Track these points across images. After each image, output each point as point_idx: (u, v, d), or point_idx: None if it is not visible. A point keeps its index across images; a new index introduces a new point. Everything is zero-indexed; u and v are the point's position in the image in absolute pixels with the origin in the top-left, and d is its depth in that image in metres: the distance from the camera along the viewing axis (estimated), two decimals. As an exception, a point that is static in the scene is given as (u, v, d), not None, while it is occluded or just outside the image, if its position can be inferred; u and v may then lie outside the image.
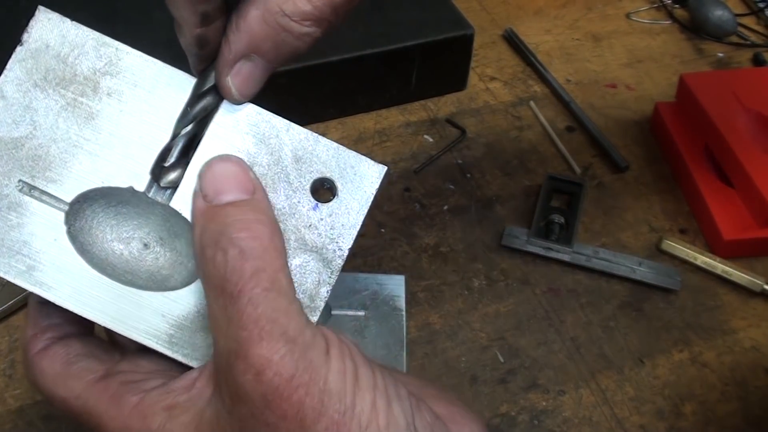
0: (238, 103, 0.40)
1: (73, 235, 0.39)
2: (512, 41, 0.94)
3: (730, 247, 0.71)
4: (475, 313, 0.68)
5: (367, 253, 0.72)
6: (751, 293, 0.70)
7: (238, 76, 0.38)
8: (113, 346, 0.42)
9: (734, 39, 0.95)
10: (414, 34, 0.80)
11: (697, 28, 0.96)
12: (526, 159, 0.81)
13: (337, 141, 0.40)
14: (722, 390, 0.64)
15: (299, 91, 0.78)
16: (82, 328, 0.42)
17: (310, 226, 0.39)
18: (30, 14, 0.79)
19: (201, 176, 0.38)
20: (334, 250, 0.39)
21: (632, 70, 0.91)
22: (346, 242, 0.40)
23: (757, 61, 0.92)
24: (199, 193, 0.38)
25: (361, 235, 0.75)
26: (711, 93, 0.78)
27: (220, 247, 0.35)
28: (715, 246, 0.73)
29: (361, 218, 0.40)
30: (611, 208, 0.77)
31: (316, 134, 0.40)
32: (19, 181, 0.38)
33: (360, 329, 0.63)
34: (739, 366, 0.66)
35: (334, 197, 0.40)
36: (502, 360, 0.66)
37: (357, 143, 0.80)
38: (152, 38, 0.79)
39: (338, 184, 0.40)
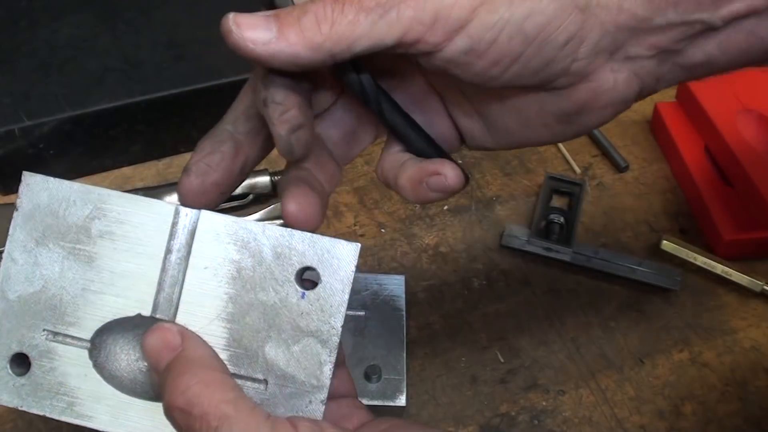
0: (230, 44, 0.38)
1: (100, 367, 0.43)
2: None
3: (730, 247, 0.71)
4: (475, 313, 0.68)
5: (367, 253, 0.72)
6: (751, 293, 0.70)
7: (244, 18, 0.38)
8: None
9: (734, 39, 0.95)
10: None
11: (697, 28, 0.96)
12: (526, 159, 0.81)
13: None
14: (722, 390, 0.65)
15: (299, 91, 0.78)
16: None
17: (302, 314, 0.42)
18: (30, 15, 0.79)
19: (143, 354, 0.42)
20: (329, 330, 0.42)
21: (632, 70, 0.91)
22: (338, 320, 0.43)
23: (757, 61, 0.92)
24: (154, 373, 0.42)
25: (360, 235, 0.75)
26: (711, 93, 0.78)
27: (169, 416, 0.39)
28: (715, 246, 0.73)
29: (347, 296, 0.43)
30: (611, 208, 0.77)
31: (290, 229, 0.43)
32: (44, 330, 0.43)
33: (360, 329, 0.63)
34: (739, 366, 0.66)
35: (318, 283, 0.43)
36: (502, 360, 0.66)
37: (357, 143, 0.80)
38: (152, 38, 0.79)
39: (319, 270, 0.43)
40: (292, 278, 0.43)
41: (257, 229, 0.43)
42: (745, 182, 0.72)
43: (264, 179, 0.73)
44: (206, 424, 0.37)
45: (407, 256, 0.72)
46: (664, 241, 0.72)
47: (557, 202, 0.76)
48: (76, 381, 0.43)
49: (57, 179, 0.44)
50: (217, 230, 0.43)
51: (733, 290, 0.71)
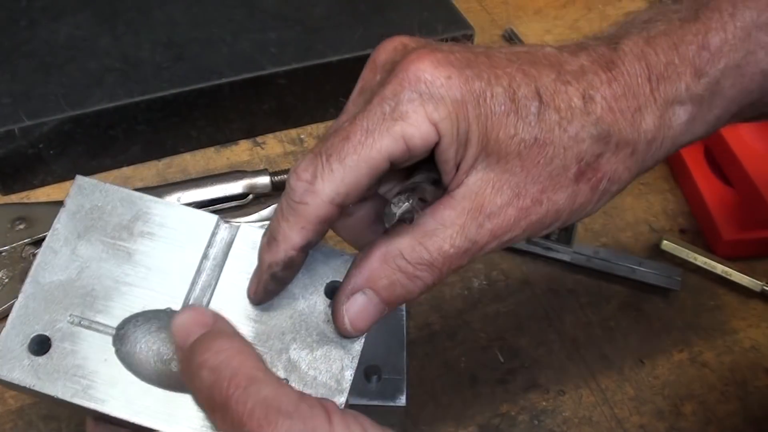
0: (349, 336, 0.44)
1: (123, 353, 0.44)
2: (512, 41, 0.93)
3: (730, 247, 0.71)
4: (475, 313, 0.68)
5: (367, 253, 0.72)
6: (751, 293, 0.70)
7: (352, 307, 0.43)
8: None
9: (734, 39, 0.95)
10: (414, 35, 0.80)
11: (697, 28, 0.96)
12: (526, 159, 0.81)
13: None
14: (722, 390, 0.65)
15: (299, 91, 0.78)
16: None
17: (328, 321, 0.45)
18: (30, 15, 0.79)
19: (171, 335, 0.42)
20: (352, 339, 0.44)
21: (632, 70, 0.91)
22: None
23: (757, 61, 0.92)
24: (178, 350, 0.42)
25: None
26: (711, 93, 0.78)
27: (196, 375, 0.39)
28: (715, 246, 0.73)
29: None
30: (611, 208, 0.77)
31: (322, 246, 0.45)
32: (71, 314, 0.44)
33: (360, 329, 0.62)
34: (738, 366, 0.66)
35: None
36: (502, 360, 0.66)
37: (357, 143, 0.80)
38: (152, 38, 0.79)
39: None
40: (322, 289, 0.45)
41: None
42: (745, 182, 0.72)
43: (264, 179, 0.73)
44: (235, 384, 0.37)
45: (407, 256, 0.72)
46: (664, 241, 0.72)
47: (557, 202, 0.76)
48: (95, 365, 0.43)
49: (107, 184, 0.47)
50: (254, 240, 0.45)
51: (733, 290, 0.71)
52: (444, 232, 0.42)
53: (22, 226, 0.68)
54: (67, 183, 0.76)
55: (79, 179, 0.47)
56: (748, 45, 0.44)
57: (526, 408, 0.63)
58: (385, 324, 0.63)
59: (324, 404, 0.38)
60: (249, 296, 0.45)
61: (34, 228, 0.68)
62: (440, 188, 0.43)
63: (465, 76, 0.40)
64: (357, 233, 0.47)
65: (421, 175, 0.42)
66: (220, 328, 0.41)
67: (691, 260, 0.71)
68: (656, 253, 0.72)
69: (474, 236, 0.42)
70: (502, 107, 0.41)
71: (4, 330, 0.44)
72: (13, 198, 0.75)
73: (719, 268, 0.70)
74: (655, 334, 0.68)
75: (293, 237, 0.41)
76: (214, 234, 0.46)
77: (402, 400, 0.59)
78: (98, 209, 0.46)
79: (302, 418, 0.37)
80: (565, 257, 0.71)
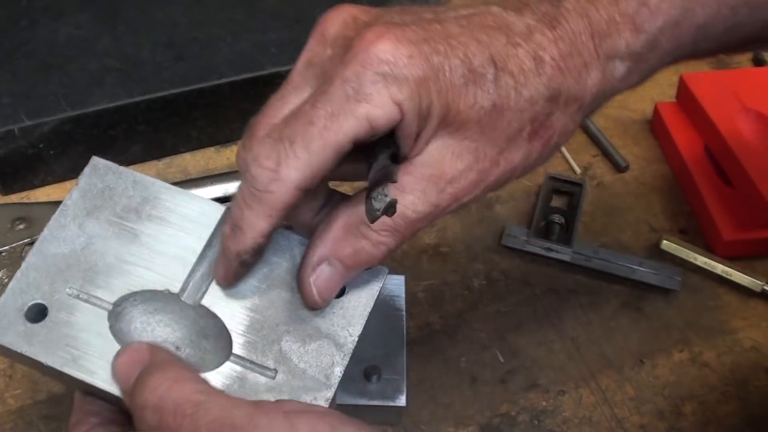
0: (316, 306, 0.45)
1: (116, 329, 0.45)
2: (512, 41, 0.93)
3: (730, 247, 0.71)
4: (475, 313, 0.68)
5: (367, 253, 0.72)
6: (751, 293, 0.70)
7: (319, 278, 0.44)
8: None
9: (734, 39, 0.95)
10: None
11: (697, 28, 0.95)
12: (526, 159, 0.81)
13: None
14: (722, 390, 0.65)
15: (299, 91, 0.78)
16: (123, 419, 0.45)
17: (324, 317, 0.45)
18: (30, 15, 0.79)
19: (113, 376, 0.42)
20: (346, 336, 0.45)
21: (632, 70, 0.91)
22: (356, 329, 0.45)
23: (757, 61, 0.92)
24: (125, 397, 0.41)
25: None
26: (711, 93, 0.78)
27: (142, 420, 0.38)
28: (715, 246, 0.73)
29: (368, 310, 0.46)
30: (611, 208, 0.77)
31: None
32: (70, 287, 0.45)
33: (360, 329, 0.62)
34: (739, 366, 0.66)
35: (344, 294, 0.46)
36: (502, 360, 0.66)
37: (357, 143, 0.80)
38: (152, 38, 0.79)
39: (347, 284, 0.46)
40: None
41: (294, 239, 0.47)
42: (745, 182, 0.72)
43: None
44: (180, 414, 0.36)
45: (407, 256, 0.72)
46: (664, 241, 0.72)
47: (557, 202, 0.76)
48: (88, 337, 0.44)
49: (120, 166, 0.48)
50: None
51: (733, 290, 0.71)
52: (405, 198, 0.42)
53: (22, 226, 0.69)
54: (68, 183, 0.76)
55: (95, 160, 0.48)
56: (686, 2, 0.44)
57: (526, 408, 0.63)
58: (385, 324, 0.63)
59: (283, 408, 0.37)
60: (217, 281, 0.45)
61: (34, 228, 0.68)
62: (400, 160, 0.43)
63: (424, 53, 0.40)
64: (296, 214, 0.47)
65: (382, 155, 0.42)
66: (153, 361, 0.41)
67: (691, 260, 0.71)
68: (656, 253, 0.72)
69: (436, 201, 0.42)
70: (462, 79, 0.41)
71: (3, 295, 0.44)
72: (13, 198, 0.75)
73: (719, 268, 0.70)
74: (655, 334, 0.68)
75: (260, 224, 0.41)
76: (220, 223, 0.47)
77: (402, 400, 0.59)
78: (110, 190, 0.47)
79: (258, 429, 0.36)
80: (565, 257, 0.71)
